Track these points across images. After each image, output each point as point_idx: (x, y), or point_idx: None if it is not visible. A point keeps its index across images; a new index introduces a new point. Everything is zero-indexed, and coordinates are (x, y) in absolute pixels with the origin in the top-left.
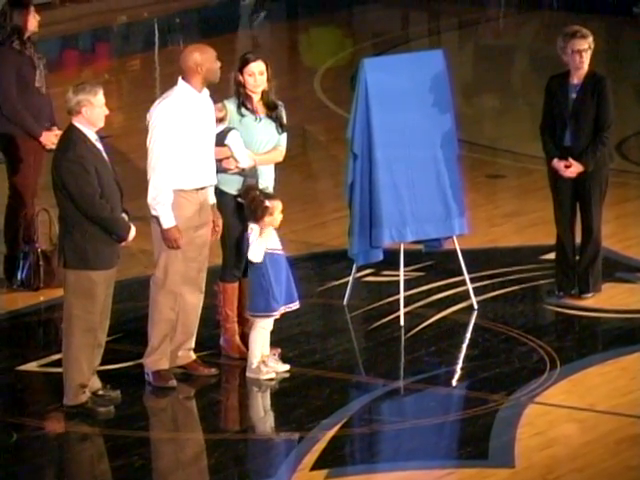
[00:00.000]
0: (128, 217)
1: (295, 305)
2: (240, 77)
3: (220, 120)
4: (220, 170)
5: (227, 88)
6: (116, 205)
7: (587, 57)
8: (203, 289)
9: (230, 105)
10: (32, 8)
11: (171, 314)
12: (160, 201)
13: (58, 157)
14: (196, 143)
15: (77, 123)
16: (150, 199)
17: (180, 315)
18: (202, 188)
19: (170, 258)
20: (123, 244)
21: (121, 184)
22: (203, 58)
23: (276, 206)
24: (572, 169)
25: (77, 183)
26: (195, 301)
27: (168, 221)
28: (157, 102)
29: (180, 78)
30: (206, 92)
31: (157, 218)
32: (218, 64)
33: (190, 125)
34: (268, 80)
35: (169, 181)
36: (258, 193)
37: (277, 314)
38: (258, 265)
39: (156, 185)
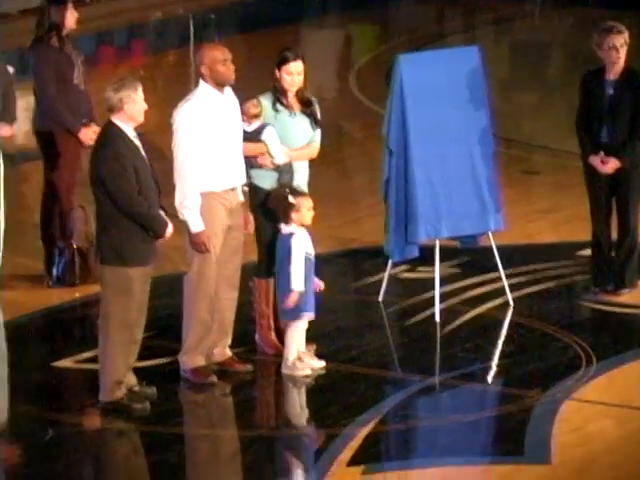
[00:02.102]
0: (165, 214)
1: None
2: (277, 73)
3: (256, 116)
4: (255, 166)
5: (263, 83)
6: (153, 202)
7: (623, 53)
8: (238, 286)
9: (265, 101)
10: (70, 5)
11: (206, 315)
12: (187, 205)
13: (96, 154)
14: (222, 143)
15: (116, 120)
16: (177, 203)
17: (215, 314)
18: (232, 189)
19: (203, 261)
20: (160, 241)
21: (159, 181)
22: (207, 60)
23: (303, 203)
24: (609, 165)
25: (115, 180)
26: (230, 299)
27: (196, 225)
28: (180, 104)
29: (200, 79)
30: (229, 90)
31: (185, 222)
32: (225, 65)
33: (214, 126)
34: (304, 78)
35: (196, 185)
36: (284, 190)
37: (308, 317)
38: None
39: (182, 189)
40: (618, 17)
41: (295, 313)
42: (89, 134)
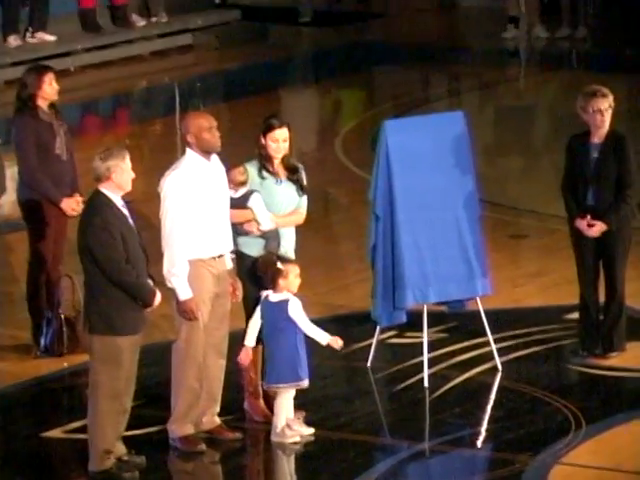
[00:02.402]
0: (153, 282)
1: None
2: (263, 141)
3: (243, 183)
4: (241, 233)
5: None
6: (142, 270)
7: (608, 116)
8: (226, 354)
9: (251, 168)
10: (49, 75)
11: (195, 383)
12: (175, 273)
13: (84, 223)
14: (210, 211)
15: (104, 189)
16: (165, 271)
17: (204, 382)
18: (219, 256)
19: (191, 329)
20: (149, 309)
21: (146, 249)
22: (193, 129)
23: (291, 270)
24: (595, 228)
25: (103, 249)
26: (218, 367)
27: (184, 293)
28: (167, 173)
29: (187, 147)
30: (215, 158)
31: (173, 290)
32: (210, 133)
33: (201, 193)
34: (290, 145)
35: (184, 253)
36: (272, 257)
37: (304, 384)
38: (287, 335)
39: (170, 257)
40: (603, 80)
41: (294, 378)
42: (71, 204)
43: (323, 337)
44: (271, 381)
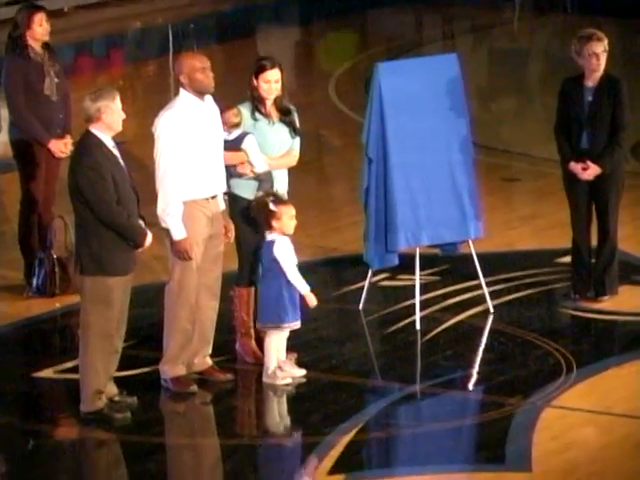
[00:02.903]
0: (144, 223)
1: (298, 324)
2: (255, 82)
3: (236, 125)
4: (235, 175)
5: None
6: (133, 211)
7: (603, 60)
8: (219, 296)
9: (244, 110)
10: (40, 15)
11: (187, 325)
12: (170, 212)
13: (74, 163)
14: (203, 151)
15: (94, 129)
16: (160, 211)
17: (196, 323)
18: (213, 197)
19: (185, 270)
20: (139, 250)
21: (137, 190)
22: (186, 69)
23: (284, 211)
24: (590, 171)
25: (94, 189)
26: (211, 308)
27: (178, 233)
28: (161, 113)
29: (180, 88)
30: (209, 99)
31: (167, 230)
32: (204, 73)
33: (195, 134)
34: (282, 86)
35: (178, 192)
36: (267, 198)
37: (290, 327)
38: (272, 276)
39: (165, 197)
40: (597, 24)
41: (276, 321)
42: (59, 145)
43: (303, 287)
44: (259, 321)
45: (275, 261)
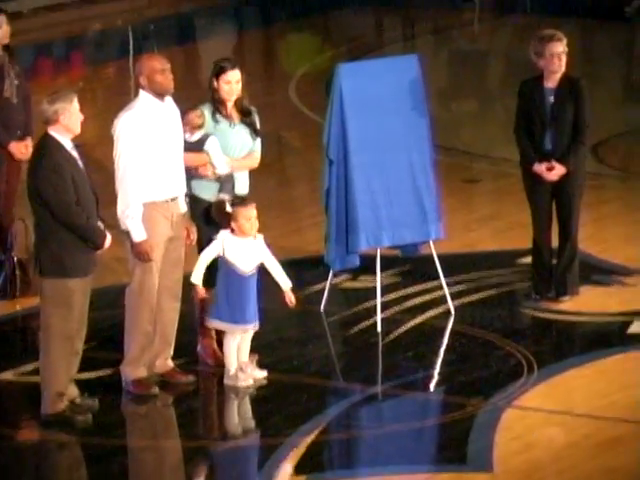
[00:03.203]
0: (104, 225)
1: (255, 327)
2: (215, 84)
3: (199, 126)
4: (196, 176)
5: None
6: (92, 213)
7: (564, 60)
8: (179, 297)
9: (205, 111)
10: (0, 18)
11: (148, 326)
12: (129, 214)
13: (33, 165)
14: (163, 153)
15: (53, 132)
16: (119, 213)
17: (157, 325)
18: (173, 199)
19: (145, 272)
20: (99, 252)
21: (97, 192)
22: (145, 70)
23: (240, 212)
24: (555, 171)
25: (54, 191)
26: (172, 310)
27: (138, 235)
28: (120, 114)
29: (141, 88)
30: (170, 100)
31: (127, 232)
32: (163, 75)
33: (155, 135)
34: (242, 87)
35: (138, 194)
36: (222, 202)
37: (241, 330)
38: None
39: (124, 199)
40: (556, 24)
41: (229, 318)
42: (20, 147)
43: (195, 276)
44: (210, 316)
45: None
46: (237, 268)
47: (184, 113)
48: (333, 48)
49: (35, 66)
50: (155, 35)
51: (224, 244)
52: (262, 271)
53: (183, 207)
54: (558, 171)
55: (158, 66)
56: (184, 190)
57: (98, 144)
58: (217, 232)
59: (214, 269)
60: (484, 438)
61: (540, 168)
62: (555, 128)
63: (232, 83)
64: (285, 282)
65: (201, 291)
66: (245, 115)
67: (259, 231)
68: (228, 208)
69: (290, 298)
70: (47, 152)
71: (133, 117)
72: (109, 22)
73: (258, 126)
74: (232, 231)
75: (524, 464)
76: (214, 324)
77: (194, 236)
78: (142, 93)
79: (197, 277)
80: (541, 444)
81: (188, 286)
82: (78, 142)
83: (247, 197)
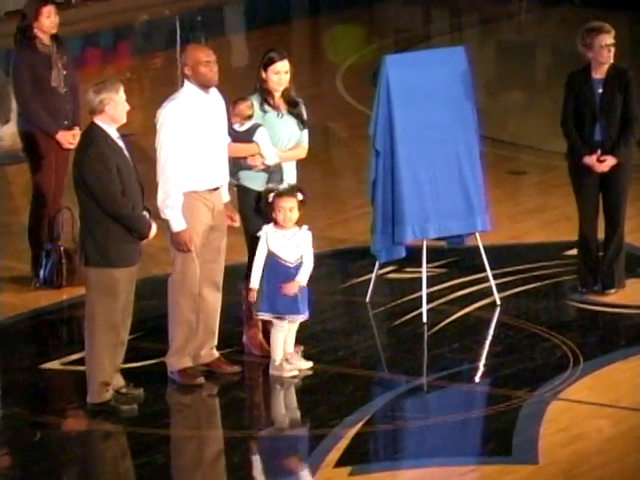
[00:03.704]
0: (149, 215)
1: (305, 317)
2: (264, 74)
3: (249, 117)
4: (245, 167)
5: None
6: (137, 203)
7: (613, 52)
8: (221, 287)
9: (254, 100)
10: (49, 8)
11: (191, 316)
12: (169, 204)
13: (79, 155)
14: (206, 143)
15: (99, 121)
16: (160, 202)
17: (200, 315)
18: (215, 189)
19: (186, 261)
20: (144, 242)
21: (142, 182)
22: (190, 61)
23: (278, 203)
24: (606, 163)
25: (99, 181)
26: (214, 300)
27: (178, 224)
28: (163, 104)
29: (185, 79)
30: (214, 91)
31: (167, 221)
32: (207, 67)
33: (198, 125)
34: (290, 78)
35: (178, 184)
36: (267, 192)
37: (293, 319)
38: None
39: (165, 188)
40: (603, 17)
41: (258, 309)
42: (67, 137)
43: (254, 281)
44: (256, 309)
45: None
46: (281, 259)
47: (234, 104)
48: (380, 39)
49: (83, 56)
50: (202, 25)
51: (268, 238)
52: None
53: (226, 197)
54: (609, 162)
55: (203, 57)
56: (227, 180)
57: (144, 134)
58: (265, 223)
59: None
60: (529, 430)
61: (591, 160)
62: (604, 119)
63: (281, 74)
64: (302, 277)
65: (253, 297)
66: (293, 106)
67: (305, 222)
68: (270, 199)
69: (290, 287)
70: (93, 142)
71: (176, 107)
72: (157, 12)
73: (305, 117)
74: (275, 223)
75: (569, 456)
76: (262, 316)
77: (237, 222)
78: (186, 84)
79: (255, 281)
80: (586, 436)
81: (234, 276)
82: (125, 132)
83: (293, 187)
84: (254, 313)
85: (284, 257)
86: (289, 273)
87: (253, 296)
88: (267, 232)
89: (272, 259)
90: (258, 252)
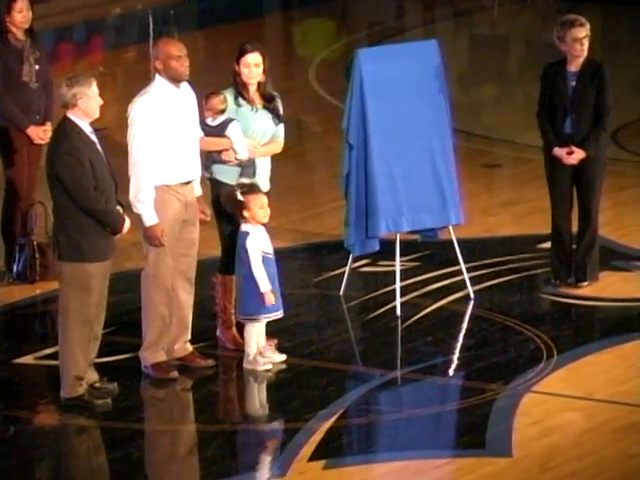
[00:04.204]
0: (123, 209)
1: (280, 314)
2: (237, 67)
3: (221, 111)
4: (218, 161)
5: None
6: (111, 197)
7: (586, 45)
8: (194, 282)
9: (228, 95)
10: (20, 3)
11: (164, 310)
12: (141, 199)
13: (52, 149)
14: (177, 137)
15: (72, 116)
16: (131, 197)
17: (174, 309)
18: (187, 183)
19: (159, 255)
20: (118, 236)
21: (116, 176)
22: (161, 55)
23: (252, 200)
24: (575, 156)
25: (72, 175)
26: (187, 294)
27: (150, 219)
28: (135, 98)
29: (156, 73)
30: (186, 85)
31: (139, 216)
32: (178, 61)
33: (169, 120)
34: (264, 72)
35: (150, 178)
36: (234, 191)
37: (265, 319)
38: (247, 267)
39: (136, 182)
40: (577, 9)
41: (254, 312)
42: (38, 132)
43: (263, 284)
44: (238, 312)
45: (245, 252)
46: (267, 254)
47: (207, 98)
48: (353, 33)
49: (55, 50)
50: (175, 19)
51: (254, 239)
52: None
53: (198, 191)
54: (578, 155)
55: (174, 52)
56: (199, 174)
57: (118, 128)
58: (236, 218)
59: (234, 256)
60: (503, 423)
61: (560, 152)
62: (576, 112)
63: (251, 66)
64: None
65: (270, 299)
66: (268, 100)
67: (278, 216)
68: (239, 197)
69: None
70: (66, 136)
71: (147, 101)
72: (129, 6)
73: (281, 112)
74: (244, 220)
75: (543, 449)
76: (244, 319)
77: (208, 214)
78: (157, 78)
79: (265, 283)
80: (560, 429)
81: (207, 270)
82: (98, 126)
83: (256, 184)
84: (260, 317)
85: (268, 250)
86: (274, 264)
87: (270, 298)
88: (251, 233)
89: (266, 259)
90: (253, 257)
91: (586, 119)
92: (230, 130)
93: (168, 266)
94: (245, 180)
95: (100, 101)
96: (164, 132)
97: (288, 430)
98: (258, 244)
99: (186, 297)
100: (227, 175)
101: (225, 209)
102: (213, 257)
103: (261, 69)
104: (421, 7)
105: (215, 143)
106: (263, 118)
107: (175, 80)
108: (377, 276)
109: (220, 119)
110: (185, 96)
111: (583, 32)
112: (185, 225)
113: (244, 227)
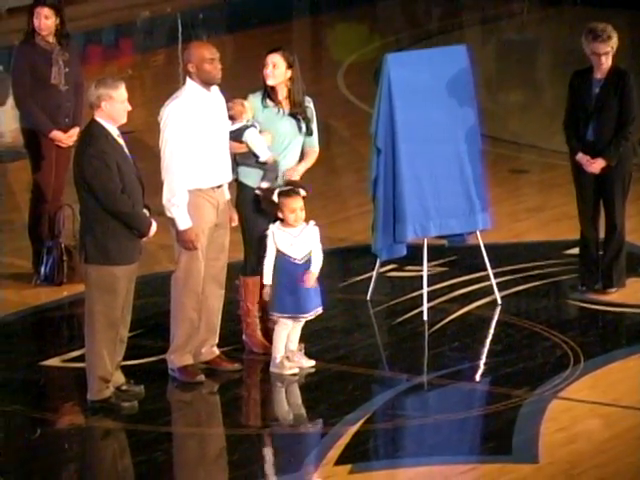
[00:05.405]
0: (149, 212)
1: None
2: (264, 70)
3: (242, 116)
4: (241, 163)
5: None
6: (138, 200)
7: (609, 58)
8: (224, 285)
9: (254, 98)
10: (40, 10)
11: (194, 314)
12: (175, 203)
13: (79, 152)
14: (209, 141)
15: (98, 118)
16: (165, 201)
17: (203, 313)
18: (219, 186)
19: (191, 259)
20: (144, 239)
21: (143, 180)
22: (194, 59)
23: (285, 203)
24: (596, 164)
25: (99, 178)
26: (217, 297)
27: (183, 223)
28: (167, 102)
29: (188, 77)
30: (215, 89)
31: (173, 220)
32: (212, 64)
33: (201, 123)
34: (291, 79)
35: (183, 182)
36: (269, 192)
37: (306, 317)
38: (278, 267)
39: (170, 186)
40: (606, 16)
41: (292, 311)
42: (60, 135)
43: (267, 278)
44: (276, 310)
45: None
46: (289, 257)
47: (231, 103)
48: (382, 37)
49: (84, 53)
50: (204, 23)
51: (275, 237)
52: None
53: (228, 194)
54: (598, 164)
55: (207, 55)
56: (230, 178)
57: (146, 132)
58: (261, 219)
59: (259, 257)
60: (529, 429)
61: (582, 159)
62: (598, 120)
63: (269, 65)
64: (314, 267)
65: (267, 294)
66: (295, 107)
67: (306, 220)
68: (275, 199)
69: (309, 279)
70: (93, 139)
71: (180, 105)
72: (158, 9)
73: (314, 119)
74: (282, 221)
75: (569, 455)
76: (277, 317)
77: (235, 223)
78: (189, 81)
79: (268, 278)
80: (586, 436)
81: (235, 274)
82: (126, 129)
83: (295, 185)
84: (270, 313)
85: (292, 255)
86: (298, 271)
87: (267, 293)
88: (273, 232)
89: (281, 258)
90: (267, 252)
91: (608, 127)
92: (246, 136)
93: (199, 270)
94: (265, 185)
95: (128, 107)
96: (197, 136)
97: (314, 434)
98: (276, 243)
99: (216, 301)
100: (250, 177)
101: (256, 206)
102: (238, 260)
103: (280, 71)
104: (450, 12)
105: (235, 147)
106: (287, 122)
107: (208, 83)
108: (404, 281)
109: (237, 125)
110: (216, 100)
111: (605, 48)
112: (216, 229)
113: (271, 226)
